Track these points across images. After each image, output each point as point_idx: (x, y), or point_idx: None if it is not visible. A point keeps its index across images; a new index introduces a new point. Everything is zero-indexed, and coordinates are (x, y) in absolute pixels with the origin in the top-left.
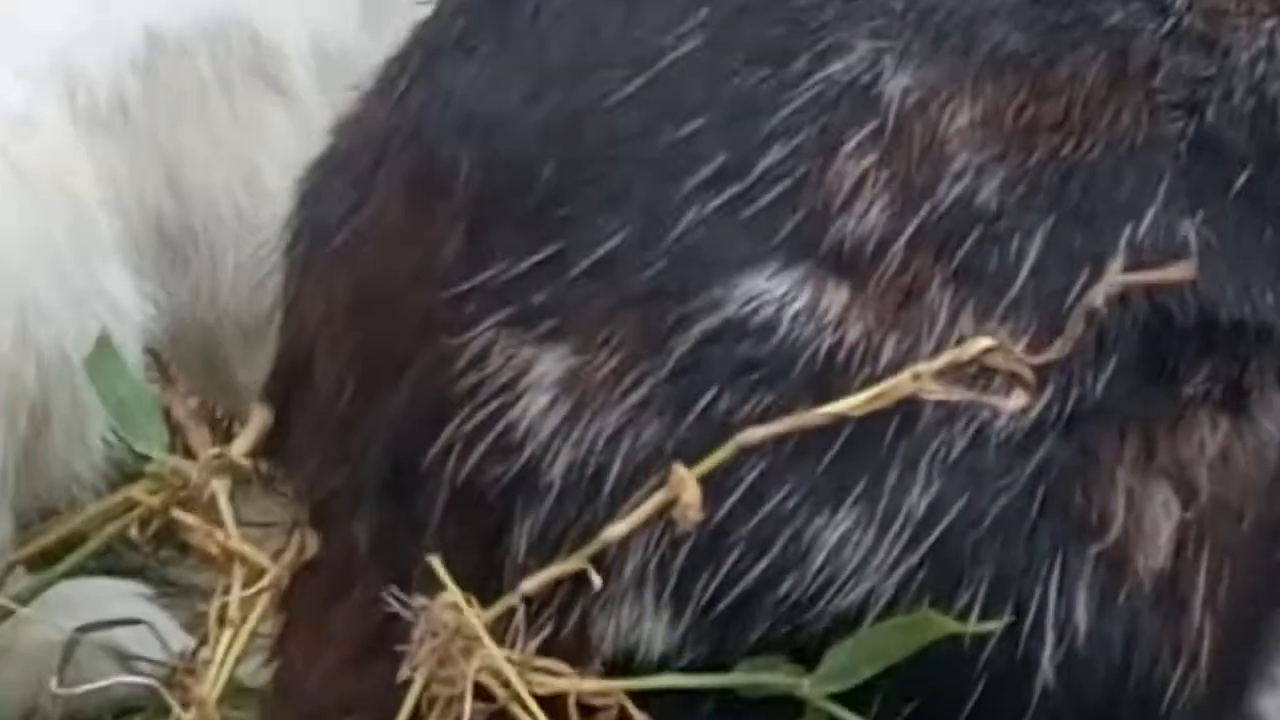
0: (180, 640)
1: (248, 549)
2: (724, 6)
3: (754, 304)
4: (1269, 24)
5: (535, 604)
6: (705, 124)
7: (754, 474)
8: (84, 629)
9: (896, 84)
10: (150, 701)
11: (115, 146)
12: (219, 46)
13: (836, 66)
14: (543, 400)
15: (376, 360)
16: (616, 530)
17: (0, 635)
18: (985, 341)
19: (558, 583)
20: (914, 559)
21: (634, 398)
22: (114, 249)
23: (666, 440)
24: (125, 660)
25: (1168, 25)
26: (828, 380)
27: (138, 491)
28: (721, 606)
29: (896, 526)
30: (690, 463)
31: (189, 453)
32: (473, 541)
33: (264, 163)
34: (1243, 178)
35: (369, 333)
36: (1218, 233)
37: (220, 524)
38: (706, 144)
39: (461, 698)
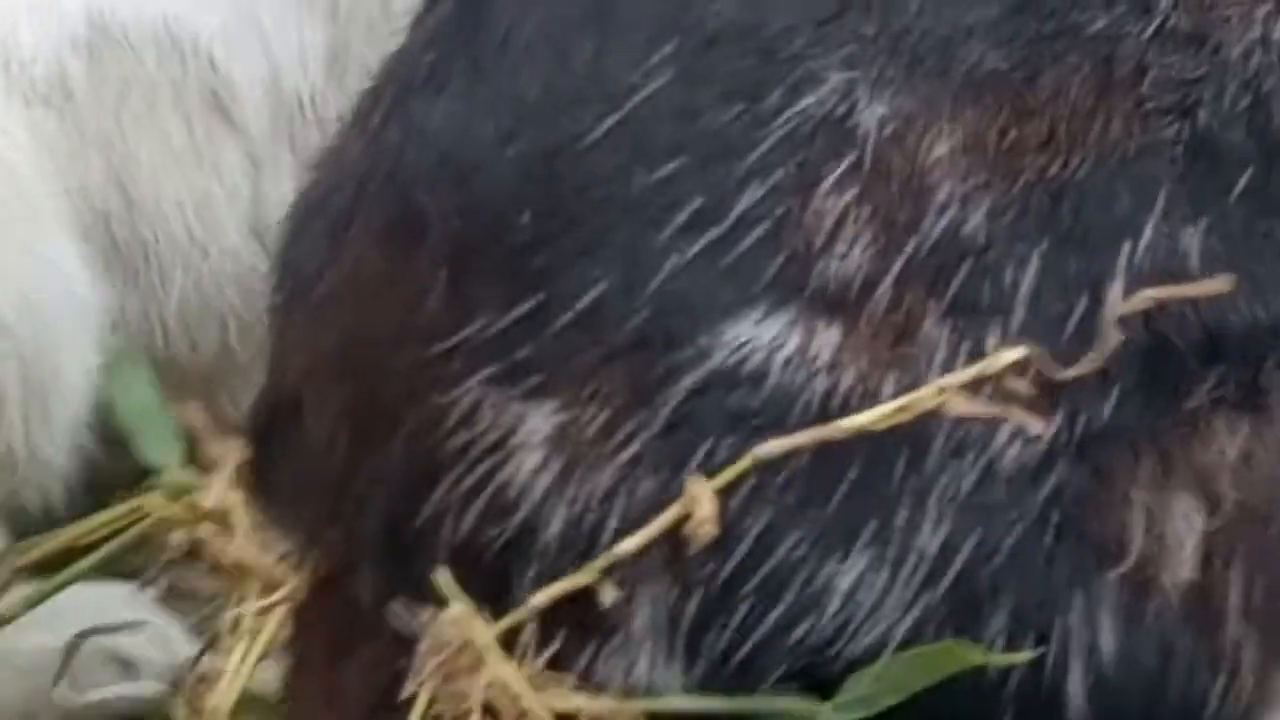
0: (185, 647)
1: (265, 562)
2: (691, 38)
3: (742, 352)
4: (1262, 10)
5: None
6: (679, 166)
7: (761, 524)
8: (85, 634)
9: (872, 114)
10: (154, 710)
11: (56, 124)
12: (172, 57)
13: (809, 99)
14: (534, 459)
15: (366, 418)
16: (629, 544)
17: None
18: (1014, 353)
19: (562, 633)
20: (930, 598)
21: (626, 454)
22: (56, 222)
23: (662, 496)
24: (128, 667)
25: (1153, 26)
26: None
27: (148, 501)
28: (735, 658)
29: (910, 567)
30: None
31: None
32: (473, 603)
33: (216, 193)
34: (1243, 179)
35: (357, 390)
36: (1222, 237)
37: (234, 535)
38: (682, 187)
39: (468, 714)
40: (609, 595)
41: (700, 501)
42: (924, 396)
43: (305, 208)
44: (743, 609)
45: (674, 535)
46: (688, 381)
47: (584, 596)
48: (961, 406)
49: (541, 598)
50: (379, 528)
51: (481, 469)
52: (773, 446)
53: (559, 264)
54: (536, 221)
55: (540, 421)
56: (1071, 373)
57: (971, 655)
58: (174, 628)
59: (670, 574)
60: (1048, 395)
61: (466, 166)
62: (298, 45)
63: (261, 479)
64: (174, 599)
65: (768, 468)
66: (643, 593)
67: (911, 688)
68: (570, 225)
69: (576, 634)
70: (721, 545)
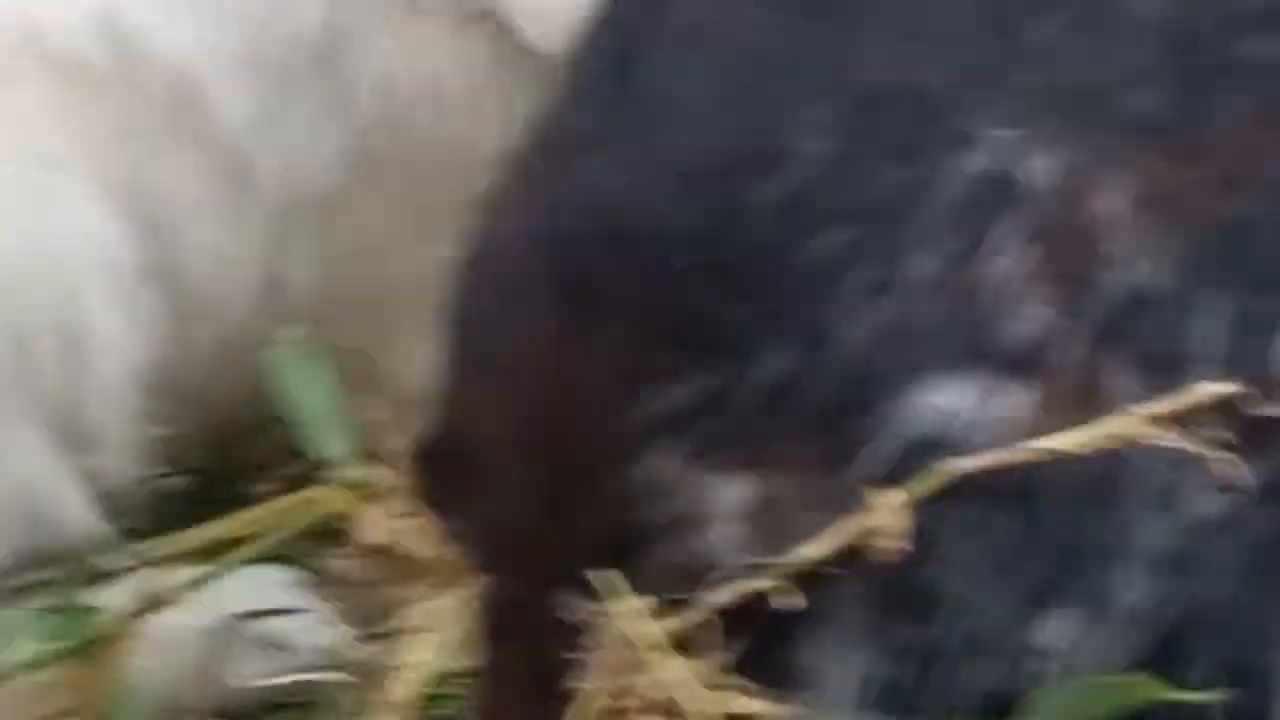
0: (338, 634)
1: (441, 557)
2: (850, 97)
3: (930, 418)
4: None
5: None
6: (846, 231)
7: (960, 583)
8: (238, 617)
9: (1037, 169)
10: (304, 696)
11: (70, 92)
12: (192, 106)
13: (971, 158)
14: (727, 531)
15: (557, 487)
16: (811, 550)
17: (148, 622)
18: (1215, 388)
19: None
20: (1129, 651)
21: (820, 524)
22: (78, 175)
23: None
24: (279, 652)
25: None
26: (1023, 488)
27: (321, 492)
28: (928, 709)
29: (1109, 620)
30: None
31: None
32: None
33: (235, 244)
34: None
35: (546, 458)
36: None
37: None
38: (852, 253)
39: (639, 711)
40: (788, 600)
41: (886, 513)
42: (1117, 421)
43: (475, 266)
44: (940, 669)
45: (871, 601)
46: (877, 450)
47: (773, 650)
48: (1157, 436)
49: (721, 595)
50: (576, 596)
51: (675, 541)
52: (961, 464)
53: (737, 334)
54: (709, 290)
55: (732, 493)
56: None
57: (1161, 690)
58: (327, 614)
59: (867, 637)
60: (1241, 437)
61: (634, 233)
62: (317, 139)
63: (439, 519)
64: (324, 586)
65: (967, 532)
66: (838, 655)
67: (1094, 717)
68: (745, 294)
69: (764, 683)
70: (921, 608)
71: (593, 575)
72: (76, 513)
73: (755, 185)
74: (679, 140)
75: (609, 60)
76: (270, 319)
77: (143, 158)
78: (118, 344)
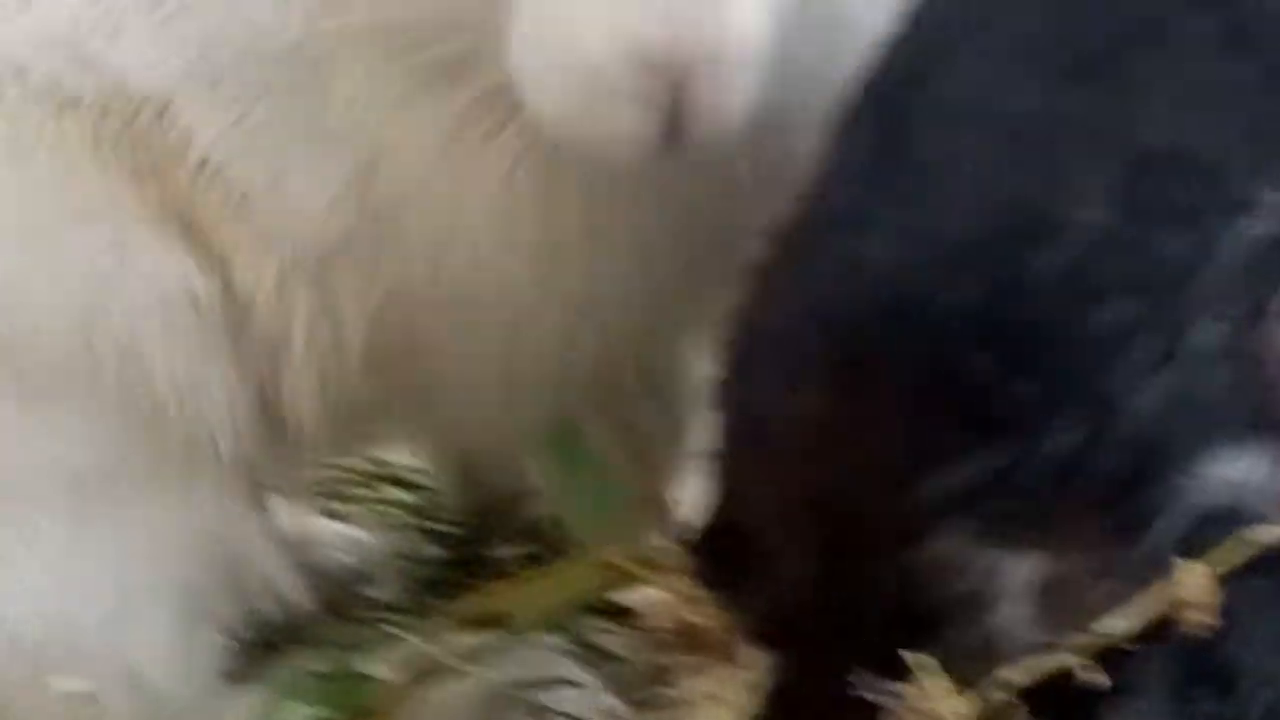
0: (605, 703)
1: (722, 628)
2: (1127, 163)
3: (1223, 490)
4: None
5: None
6: (1128, 302)
7: (1263, 658)
8: (511, 686)
9: None
10: None
11: (83, 132)
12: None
13: (1249, 223)
14: (1018, 609)
15: (842, 565)
16: (1118, 624)
17: (425, 690)
18: None
19: None
20: None
21: (1113, 600)
22: (135, 215)
23: None
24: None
25: None
26: None
27: (588, 565)
28: None
29: None
30: None
31: None
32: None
33: None
34: None
35: (831, 537)
36: None
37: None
38: (1134, 324)
39: None
40: (1092, 677)
41: (1194, 585)
42: None
43: (746, 345)
44: None
45: (1173, 676)
46: (1168, 523)
47: None
48: None
49: (1018, 673)
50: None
51: (966, 620)
52: (1270, 532)
53: (1021, 409)
54: (992, 365)
55: (1022, 571)
56: None
57: None
58: (593, 684)
59: (1171, 713)
60: None
61: (911, 307)
62: (310, 177)
63: (715, 594)
64: (590, 655)
65: (1264, 604)
66: None
67: None
68: (1028, 368)
69: None
70: (1224, 683)
71: (902, 654)
72: (279, 573)
73: (1033, 257)
74: (952, 213)
75: (875, 135)
76: (337, 368)
77: (165, 191)
78: (226, 380)
